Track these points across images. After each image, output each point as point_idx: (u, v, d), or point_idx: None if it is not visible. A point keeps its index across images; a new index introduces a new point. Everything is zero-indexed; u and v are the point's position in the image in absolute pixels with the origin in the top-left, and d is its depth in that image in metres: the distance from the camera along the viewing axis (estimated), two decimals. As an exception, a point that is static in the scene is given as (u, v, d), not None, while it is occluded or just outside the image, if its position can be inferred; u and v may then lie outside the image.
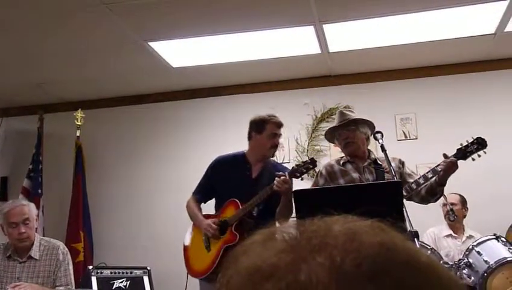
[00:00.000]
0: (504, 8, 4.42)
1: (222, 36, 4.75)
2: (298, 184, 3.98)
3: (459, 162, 3.55)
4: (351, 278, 0.47)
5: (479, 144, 3.56)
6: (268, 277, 0.48)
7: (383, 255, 0.49)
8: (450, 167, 3.51)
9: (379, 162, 3.76)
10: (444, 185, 3.64)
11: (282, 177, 3.76)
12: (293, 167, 3.91)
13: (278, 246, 0.52)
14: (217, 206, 4.19)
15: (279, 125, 4.06)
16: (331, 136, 3.99)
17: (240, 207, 3.93)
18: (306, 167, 3.86)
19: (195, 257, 4.14)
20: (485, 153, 3.58)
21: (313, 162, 3.88)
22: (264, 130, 4.06)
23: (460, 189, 4.67)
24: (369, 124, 3.83)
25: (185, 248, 4.26)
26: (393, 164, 3.75)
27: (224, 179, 4.17)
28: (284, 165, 4.29)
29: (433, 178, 3.58)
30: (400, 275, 0.48)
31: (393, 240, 0.51)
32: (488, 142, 3.57)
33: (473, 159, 3.59)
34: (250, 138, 4.14)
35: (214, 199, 4.28)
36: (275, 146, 4.07)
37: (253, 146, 4.15)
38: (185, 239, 4.28)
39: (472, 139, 3.59)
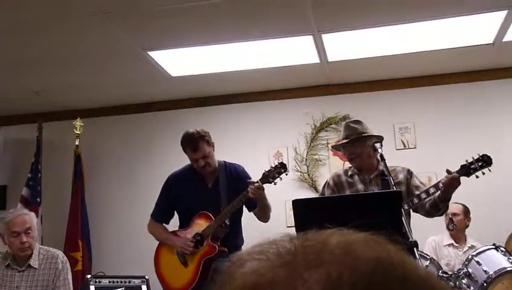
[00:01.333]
0: (502, 18, 4.43)
1: (221, 46, 4.76)
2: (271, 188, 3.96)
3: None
4: None
5: (484, 161, 3.47)
6: None
7: (379, 271, 0.48)
8: (450, 183, 3.44)
9: (386, 173, 3.73)
10: (448, 200, 3.59)
11: (256, 185, 3.77)
12: (264, 173, 3.88)
13: (274, 262, 0.51)
14: (183, 222, 4.16)
15: (195, 149, 3.95)
16: (338, 148, 4.02)
17: (213, 219, 3.91)
18: (277, 171, 3.85)
19: (172, 274, 4.09)
20: (489, 171, 3.49)
21: (283, 166, 3.87)
22: (186, 153, 4.05)
23: (463, 198, 4.66)
24: (377, 137, 3.78)
25: (158, 268, 4.19)
26: (401, 175, 3.75)
27: (182, 194, 4.13)
28: (235, 164, 4.21)
29: (436, 193, 3.54)
30: None
31: (389, 254, 0.51)
32: (487, 152, 3.53)
33: (477, 177, 3.49)
34: None
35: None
36: (201, 168, 4.00)
37: None
38: (155, 259, 4.22)
39: (478, 156, 3.49)
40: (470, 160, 3.49)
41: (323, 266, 0.49)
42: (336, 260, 0.49)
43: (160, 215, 4.25)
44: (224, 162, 4.18)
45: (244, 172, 4.16)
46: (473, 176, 3.49)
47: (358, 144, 3.74)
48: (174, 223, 4.28)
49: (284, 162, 3.94)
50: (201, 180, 4.10)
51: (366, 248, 0.51)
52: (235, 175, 4.09)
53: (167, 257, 4.13)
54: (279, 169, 3.86)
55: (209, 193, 4.06)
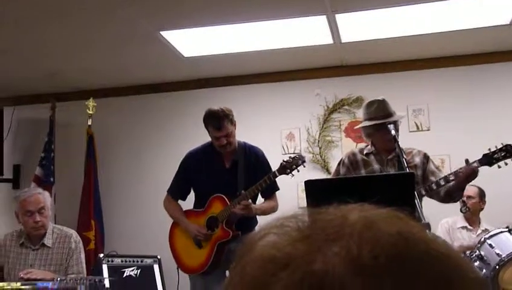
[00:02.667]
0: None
1: (234, 26, 4.73)
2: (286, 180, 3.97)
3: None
4: (368, 269, 0.46)
5: (508, 151, 3.43)
6: (284, 266, 0.48)
7: (400, 245, 0.48)
8: (469, 174, 3.43)
9: (400, 155, 3.69)
10: (462, 190, 3.60)
11: (243, 202, 3.80)
12: (281, 164, 3.87)
13: (293, 235, 0.51)
14: (198, 202, 4.17)
15: (219, 127, 3.91)
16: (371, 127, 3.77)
17: (228, 203, 3.91)
18: (295, 163, 3.84)
19: (186, 254, 4.11)
20: None
21: (301, 158, 3.85)
22: (208, 131, 4.02)
23: (479, 180, 4.62)
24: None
25: (173, 245, 4.21)
26: (417, 159, 3.71)
27: (199, 172, 4.12)
28: (256, 147, 4.20)
29: (453, 181, 3.52)
30: (418, 266, 0.47)
31: (411, 229, 0.50)
32: (501, 135, 3.51)
33: (499, 167, 3.47)
34: None
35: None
36: (222, 146, 3.98)
37: None
38: (170, 236, 4.24)
39: (501, 146, 3.45)
40: (493, 149, 3.46)
41: (343, 239, 0.48)
42: (356, 234, 0.48)
43: (176, 191, 4.26)
44: (245, 143, 4.16)
45: (263, 157, 4.14)
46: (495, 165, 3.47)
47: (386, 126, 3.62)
48: (190, 200, 4.30)
49: (301, 151, 3.93)
50: (220, 160, 4.08)
51: (387, 223, 0.50)
52: (254, 159, 4.07)
53: (182, 236, 4.16)
54: (297, 160, 3.85)
55: (226, 174, 4.04)
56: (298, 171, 3.86)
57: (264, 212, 4.03)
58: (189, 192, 4.27)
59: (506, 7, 4.55)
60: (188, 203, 4.32)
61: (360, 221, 0.50)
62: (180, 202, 4.32)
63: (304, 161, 3.88)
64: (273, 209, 4.06)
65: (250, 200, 3.86)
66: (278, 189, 4.19)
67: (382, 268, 0.46)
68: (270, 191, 4.09)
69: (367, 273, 0.46)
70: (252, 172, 3.95)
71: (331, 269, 0.46)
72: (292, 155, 3.93)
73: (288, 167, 3.83)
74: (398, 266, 0.46)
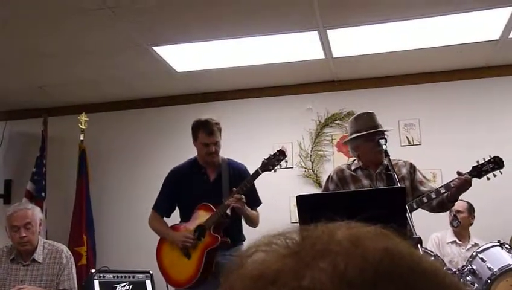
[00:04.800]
0: (509, 15, 4.42)
1: (226, 41, 4.76)
2: (269, 176, 3.99)
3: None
4: (354, 284, 0.46)
5: (496, 163, 3.49)
6: (272, 282, 0.48)
7: (386, 261, 0.48)
8: (462, 185, 3.45)
9: (391, 170, 3.69)
10: (456, 201, 3.62)
11: (236, 195, 3.83)
12: (263, 161, 3.92)
13: (282, 252, 0.51)
14: (184, 215, 4.18)
15: (210, 133, 3.98)
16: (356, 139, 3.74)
17: (214, 210, 3.94)
18: (277, 159, 3.90)
19: (175, 268, 4.09)
20: (501, 173, 3.51)
21: (282, 154, 3.90)
22: (197, 138, 4.06)
23: (467, 195, 4.65)
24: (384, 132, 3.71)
25: (160, 261, 4.20)
26: (404, 169, 3.71)
27: (184, 187, 4.15)
28: (238, 162, 4.25)
29: (445, 193, 3.54)
30: (404, 282, 0.47)
31: (398, 246, 0.51)
32: (491, 149, 3.54)
33: (488, 179, 3.52)
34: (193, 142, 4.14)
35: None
36: (210, 154, 4.03)
37: (197, 151, 4.17)
38: (157, 253, 4.23)
39: (489, 158, 3.50)
40: (481, 161, 3.50)
41: (330, 256, 0.49)
42: (343, 251, 0.49)
43: (162, 207, 4.27)
44: (228, 159, 4.22)
45: (246, 171, 4.18)
46: (484, 177, 3.50)
47: (374, 138, 3.63)
48: (175, 217, 4.30)
49: (284, 150, 3.95)
50: (204, 173, 4.13)
51: (374, 240, 0.51)
52: (237, 173, 4.11)
53: (169, 251, 4.14)
54: (278, 156, 3.89)
55: (211, 187, 4.09)
56: (280, 166, 3.89)
57: (251, 217, 4.04)
58: (174, 208, 4.29)
59: (495, 23, 4.60)
60: (172, 220, 4.32)
61: (347, 238, 0.51)
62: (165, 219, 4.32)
63: (285, 156, 3.90)
64: (257, 219, 4.09)
65: (242, 195, 3.85)
66: (261, 203, 4.22)
67: (369, 284, 0.46)
68: (254, 203, 4.13)
69: (353, 287, 0.46)
70: (234, 184, 3.96)
71: (319, 285, 0.46)
72: (273, 152, 3.94)
73: (270, 164, 3.88)
74: (384, 282, 0.47)
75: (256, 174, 3.91)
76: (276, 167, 3.90)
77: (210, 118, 4.04)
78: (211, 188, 4.07)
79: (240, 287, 0.51)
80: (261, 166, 3.90)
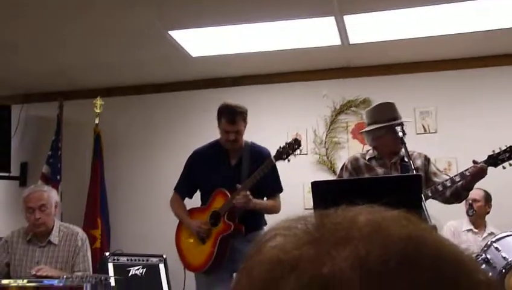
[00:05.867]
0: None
1: (242, 26, 4.73)
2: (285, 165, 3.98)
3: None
4: (377, 274, 0.46)
5: None
6: (291, 269, 0.48)
7: (411, 249, 0.47)
8: (478, 173, 3.43)
9: (406, 159, 3.66)
10: (470, 189, 3.59)
11: (242, 193, 3.81)
12: (278, 150, 3.89)
13: (302, 238, 0.51)
14: (203, 198, 4.19)
15: (232, 121, 3.94)
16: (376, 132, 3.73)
17: (229, 196, 3.93)
18: (291, 147, 3.86)
19: (190, 252, 4.13)
20: None
21: (297, 143, 3.86)
22: (220, 123, 4.03)
23: (485, 183, 4.61)
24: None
25: (178, 245, 4.23)
26: (419, 161, 3.70)
27: (204, 170, 4.14)
28: (262, 147, 4.22)
29: (460, 182, 3.52)
30: (429, 270, 0.46)
31: (421, 232, 0.50)
32: (510, 136, 3.51)
33: (504, 168, 3.49)
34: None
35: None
36: (229, 141, 4.01)
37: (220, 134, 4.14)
38: (176, 236, 4.26)
39: (505, 147, 3.48)
40: (497, 150, 3.47)
41: (351, 243, 0.48)
42: (365, 238, 0.48)
43: (183, 189, 4.29)
44: (252, 143, 4.19)
45: (268, 155, 4.12)
46: (500, 166, 3.47)
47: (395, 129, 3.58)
48: (197, 198, 4.33)
49: (299, 139, 3.92)
50: (225, 157, 4.12)
51: (396, 226, 0.50)
52: (259, 159, 4.06)
53: (186, 235, 4.18)
54: (293, 145, 3.86)
55: (231, 171, 4.07)
56: (295, 156, 3.87)
57: (264, 209, 4.04)
58: (195, 190, 4.30)
59: (515, 10, 4.53)
60: (195, 201, 4.34)
61: (369, 224, 0.50)
62: (187, 200, 4.34)
63: (300, 145, 3.88)
64: (274, 208, 4.07)
65: (249, 192, 3.84)
66: (281, 190, 4.19)
67: (391, 273, 0.45)
68: (273, 191, 4.11)
69: (376, 277, 0.45)
70: (255, 169, 3.94)
71: (339, 273, 0.46)
72: (288, 141, 3.92)
73: (284, 152, 3.86)
74: (408, 271, 0.46)
75: (270, 163, 3.88)
76: (289, 157, 3.87)
77: (237, 105, 4.00)
78: (231, 173, 4.06)
79: (258, 272, 0.50)
80: (274, 155, 3.88)
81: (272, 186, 4.06)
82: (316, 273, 0.46)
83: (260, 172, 3.86)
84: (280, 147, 3.90)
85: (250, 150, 4.12)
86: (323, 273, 0.46)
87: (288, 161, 3.90)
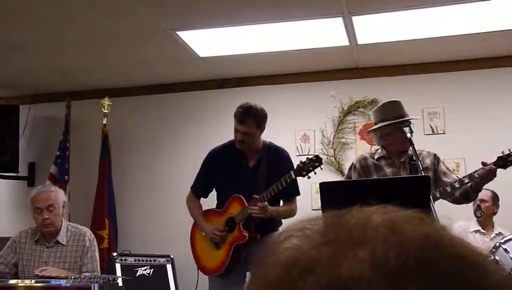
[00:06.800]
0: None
1: (250, 26, 4.73)
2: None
3: None
4: (395, 274, 0.45)
5: None
6: (308, 271, 0.47)
7: (427, 248, 0.47)
8: (487, 175, 3.41)
9: (415, 158, 3.64)
10: (480, 191, 3.58)
11: (259, 204, 3.76)
12: (298, 165, 3.85)
13: (317, 239, 0.50)
14: (220, 200, 4.15)
15: (240, 121, 3.90)
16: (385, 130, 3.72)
17: (246, 204, 3.87)
18: (312, 165, 3.82)
19: (205, 254, 4.11)
20: None
21: (318, 160, 3.83)
22: (235, 122, 4.00)
23: (492, 184, 4.59)
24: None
25: (193, 245, 4.21)
26: (428, 160, 3.68)
27: (221, 171, 4.10)
28: (280, 147, 4.19)
29: (469, 183, 3.50)
30: (446, 271, 0.46)
31: (438, 232, 0.49)
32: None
33: None
34: None
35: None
36: (236, 141, 3.99)
37: None
38: (191, 236, 4.24)
39: None
40: (507, 152, 3.46)
41: (368, 244, 0.47)
42: (381, 238, 0.48)
43: (198, 189, 4.25)
44: (270, 143, 4.14)
45: (287, 158, 4.11)
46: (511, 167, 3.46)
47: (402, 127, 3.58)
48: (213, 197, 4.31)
49: (315, 152, 3.90)
50: (243, 158, 4.06)
51: (412, 225, 0.49)
52: (277, 160, 4.03)
53: (201, 238, 4.15)
54: (314, 163, 3.82)
55: (249, 174, 4.02)
56: (315, 173, 3.84)
57: (281, 215, 4.00)
58: (211, 190, 4.26)
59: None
60: (211, 201, 4.33)
61: (384, 224, 0.49)
62: (203, 199, 4.31)
63: (321, 163, 3.86)
64: (291, 212, 4.02)
65: (266, 202, 3.80)
66: (299, 194, 4.15)
67: (409, 272, 0.45)
68: (290, 195, 4.06)
69: (395, 277, 0.45)
70: (273, 173, 3.90)
71: (358, 275, 0.45)
72: (310, 156, 3.89)
73: (304, 169, 3.81)
74: (426, 270, 0.45)
75: (289, 178, 3.82)
76: (309, 174, 3.84)
77: (256, 107, 3.95)
78: (248, 175, 4.01)
79: (273, 274, 0.50)
80: (295, 170, 3.83)
81: (289, 190, 3.97)
82: (334, 275, 0.46)
83: (278, 185, 3.80)
84: (301, 162, 3.86)
85: (269, 151, 4.07)
86: (342, 275, 0.46)
87: (308, 177, 3.87)
